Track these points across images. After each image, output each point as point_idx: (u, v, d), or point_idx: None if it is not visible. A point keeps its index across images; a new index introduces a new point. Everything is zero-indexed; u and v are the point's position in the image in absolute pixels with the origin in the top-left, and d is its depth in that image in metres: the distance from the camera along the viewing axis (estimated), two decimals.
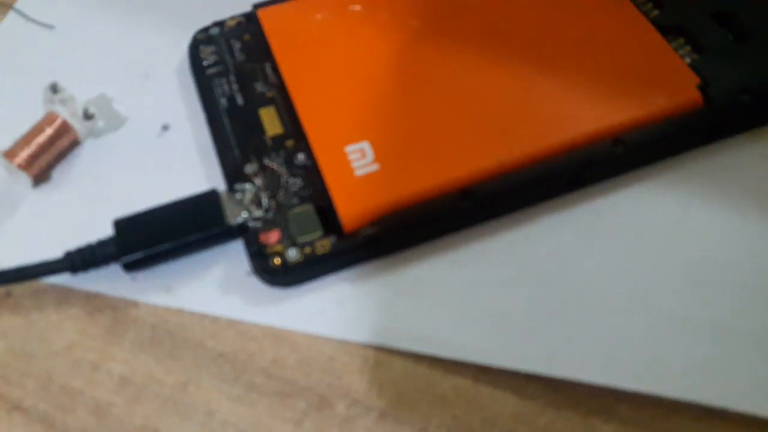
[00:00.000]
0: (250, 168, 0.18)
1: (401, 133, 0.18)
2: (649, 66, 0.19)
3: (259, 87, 0.20)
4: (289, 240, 0.17)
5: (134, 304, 0.18)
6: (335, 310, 0.17)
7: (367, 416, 0.16)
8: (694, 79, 0.19)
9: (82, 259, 0.17)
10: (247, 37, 0.21)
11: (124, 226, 0.17)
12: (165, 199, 0.18)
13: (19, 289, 0.18)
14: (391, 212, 0.17)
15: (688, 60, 0.20)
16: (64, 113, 0.20)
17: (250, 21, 0.22)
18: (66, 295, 0.18)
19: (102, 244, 0.17)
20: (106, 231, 0.18)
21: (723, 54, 0.20)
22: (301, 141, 0.19)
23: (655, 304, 0.17)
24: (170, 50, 0.22)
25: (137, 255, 0.17)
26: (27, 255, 0.18)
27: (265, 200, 0.18)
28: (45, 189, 0.20)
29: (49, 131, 0.19)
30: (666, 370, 0.16)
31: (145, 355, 0.17)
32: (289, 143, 0.19)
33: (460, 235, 0.18)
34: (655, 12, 0.21)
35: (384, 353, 0.17)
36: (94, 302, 0.18)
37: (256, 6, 0.21)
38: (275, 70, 0.20)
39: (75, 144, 0.20)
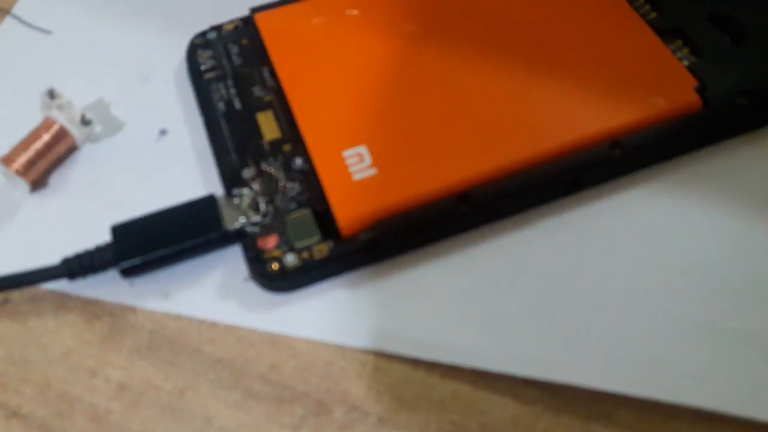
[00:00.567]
0: (247, 173, 0.18)
1: (399, 137, 0.18)
2: (646, 69, 0.19)
3: (257, 91, 0.20)
4: (287, 245, 0.17)
5: (132, 309, 0.18)
6: (333, 315, 0.17)
7: (365, 422, 0.16)
8: (692, 82, 0.19)
9: (79, 265, 0.17)
10: (244, 41, 0.21)
11: (121, 231, 0.17)
12: (162, 204, 0.18)
13: (16, 295, 0.18)
14: (388, 216, 0.17)
15: (686, 62, 0.20)
16: (61, 119, 0.20)
17: (247, 25, 0.22)
18: (64, 301, 0.18)
19: (99, 250, 0.17)
20: (104, 236, 0.18)
21: (721, 56, 0.20)
22: (299, 145, 0.19)
23: (653, 308, 0.17)
24: (168, 55, 0.22)
25: (135, 261, 0.17)
26: (24, 261, 0.17)
27: (262, 205, 0.18)
28: (42, 194, 0.20)
29: (46, 137, 0.19)
30: (665, 375, 0.16)
31: (143, 361, 0.17)
32: (287, 147, 0.19)
33: (458, 239, 0.18)
34: (653, 14, 0.21)
35: (382, 358, 0.17)
36: (92, 308, 0.18)
37: (254, 10, 0.21)
38: (273, 74, 0.20)
39: (72, 149, 0.20)
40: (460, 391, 0.16)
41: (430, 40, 0.20)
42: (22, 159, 0.19)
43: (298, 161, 0.19)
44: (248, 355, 0.17)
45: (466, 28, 0.20)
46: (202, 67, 0.21)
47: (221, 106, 0.20)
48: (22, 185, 0.19)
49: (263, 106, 0.20)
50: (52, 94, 0.20)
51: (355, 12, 0.21)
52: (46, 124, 0.20)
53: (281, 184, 0.18)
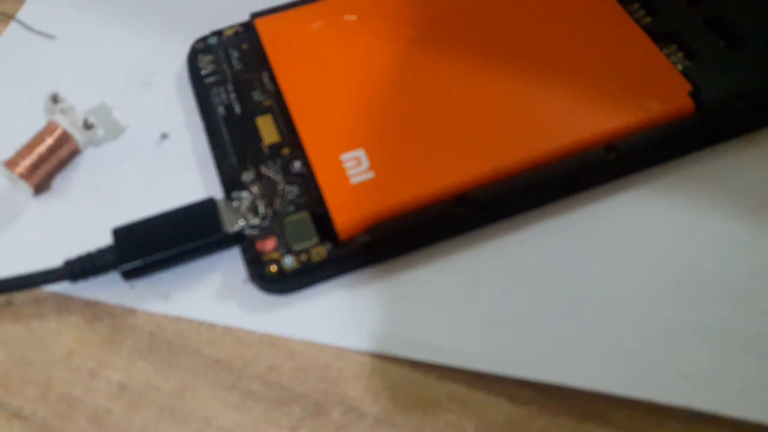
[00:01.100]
0: (247, 176, 0.19)
1: (396, 140, 0.19)
2: (641, 73, 0.19)
3: (257, 96, 0.20)
4: (286, 247, 0.17)
5: (132, 311, 0.18)
6: (331, 317, 0.17)
7: (363, 422, 0.16)
8: (686, 86, 0.19)
9: (81, 268, 0.17)
10: (244, 46, 0.21)
11: (122, 234, 0.18)
12: (163, 207, 0.18)
13: (19, 297, 0.18)
14: (386, 219, 0.17)
15: (680, 67, 0.20)
16: (64, 123, 0.20)
17: (247, 30, 0.22)
18: (65, 303, 0.18)
19: (101, 253, 0.18)
20: (106, 239, 0.18)
21: (715, 61, 0.20)
22: (298, 149, 0.19)
23: (647, 309, 0.17)
24: (169, 59, 0.22)
25: (135, 263, 0.17)
26: (27, 263, 0.18)
27: (261, 208, 0.18)
28: (45, 198, 0.20)
29: (49, 141, 0.20)
30: (660, 376, 0.16)
31: (143, 362, 0.17)
32: (286, 151, 0.19)
33: (455, 242, 0.18)
34: (648, 19, 0.21)
35: (379, 360, 0.17)
36: (93, 310, 0.18)
37: (254, 15, 0.22)
38: (272, 78, 0.21)
39: (75, 153, 0.20)
40: (457, 392, 0.16)
41: (427, 45, 0.20)
42: (26, 162, 0.19)
43: (297, 165, 0.19)
44: (247, 357, 0.17)
45: (463, 33, 0.21)
46: (203, 72, 0.21)
47: (221, 110, 0.20)
48: (26, 188, 0.20)
49: (263, 111, 0.20)
50: (55, 99, 0.20)
51: (353, 17, 0.21)
52: (49, 128, 0.20)
53: (280, 187, 0.18)
